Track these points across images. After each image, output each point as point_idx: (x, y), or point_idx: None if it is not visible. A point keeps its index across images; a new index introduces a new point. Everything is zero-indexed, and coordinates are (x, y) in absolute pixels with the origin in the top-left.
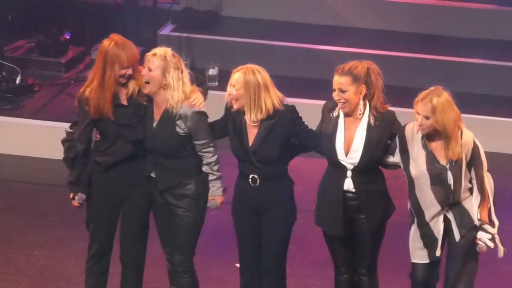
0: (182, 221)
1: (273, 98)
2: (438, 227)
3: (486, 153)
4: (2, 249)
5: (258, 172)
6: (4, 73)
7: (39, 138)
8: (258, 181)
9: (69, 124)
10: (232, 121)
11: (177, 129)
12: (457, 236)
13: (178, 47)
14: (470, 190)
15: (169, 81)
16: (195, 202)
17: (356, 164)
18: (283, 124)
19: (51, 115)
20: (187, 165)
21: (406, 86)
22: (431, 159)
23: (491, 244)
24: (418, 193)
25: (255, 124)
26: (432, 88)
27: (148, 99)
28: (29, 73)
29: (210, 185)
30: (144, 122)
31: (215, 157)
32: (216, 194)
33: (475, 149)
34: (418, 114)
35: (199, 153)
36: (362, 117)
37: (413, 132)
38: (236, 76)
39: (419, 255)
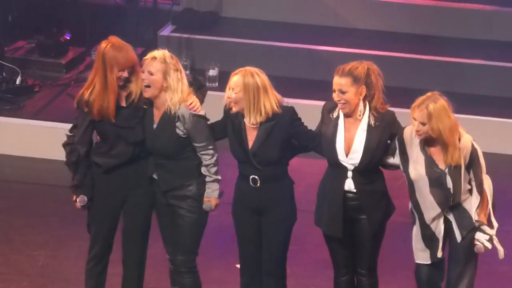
0: (184, 222)
1: (272, 100)
2: (439, 229)
3: (485, 154)
4: (2, 249)
5: (259, 173)
6: (4, 74)
7: (39, 139)
8: (259, 182)
9: (69, 125)
10: (231, 123)
11: (177, 130)
12: (458, 237)
13: (178, 47)
14: (470, 191)
15: (170, 83)
16: (197, 203)
17: (356, 165)
18: (283, 126)
19: (51, 116)
20: (188, 166)
21: (406, 86)
22: (430, 163)
23: (489, 245)
24: (418, 195)
25: (254, 126)
26: (429, 93)
27: (148, 102)
28: (30, 73)
29: (206, 186)
30: (143, 123)
31: (213, 159)
32: (211, 196)
33: (473, 152)
34: (415, 119)
35: (198, 155)
36: (362, 117)
37: (411, 136)
38: (235, 79)
39: (421, 256)
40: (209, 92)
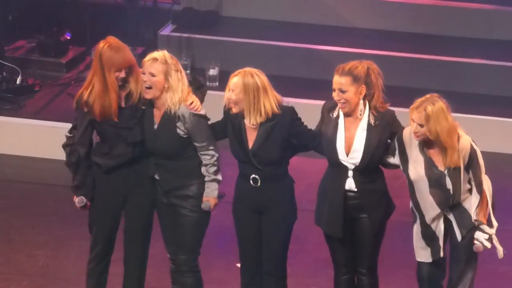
0: (186, 221)
1: (271, 101)
2: (439, 228)
3: (485, 153)
4: (2, 249)
5: (259, 173)
6: (4, 73)
7: (39, 138)
8: (259, 181)
9: (70, 125)
10: (231, 123)
11: (178, 130)
12: (458, 236)
13: (178, 47)
14: (470, 191)
15: (171, 84)
16: (199, 202)
17: (357, 164)
18: (283, 126)
19: (51, 115)
20: (189, 166)
21: (406, 86)
22: (429, 164)
23: (488, 244)
24: (418, 196)
25: (255, 127)
26: (428, 95)
27: (148, 103)
28: (30, 73)
29: (205, 186)
30: (143, 123)
31: (213, 159)
32: (210, 195)
33: (472, 153)
34: (413, 121)
35: (199, 154)
36: (362, 117)
37: (411, 136)
38: (235, 80)
39: (422, 254)
40: (209, 92)
